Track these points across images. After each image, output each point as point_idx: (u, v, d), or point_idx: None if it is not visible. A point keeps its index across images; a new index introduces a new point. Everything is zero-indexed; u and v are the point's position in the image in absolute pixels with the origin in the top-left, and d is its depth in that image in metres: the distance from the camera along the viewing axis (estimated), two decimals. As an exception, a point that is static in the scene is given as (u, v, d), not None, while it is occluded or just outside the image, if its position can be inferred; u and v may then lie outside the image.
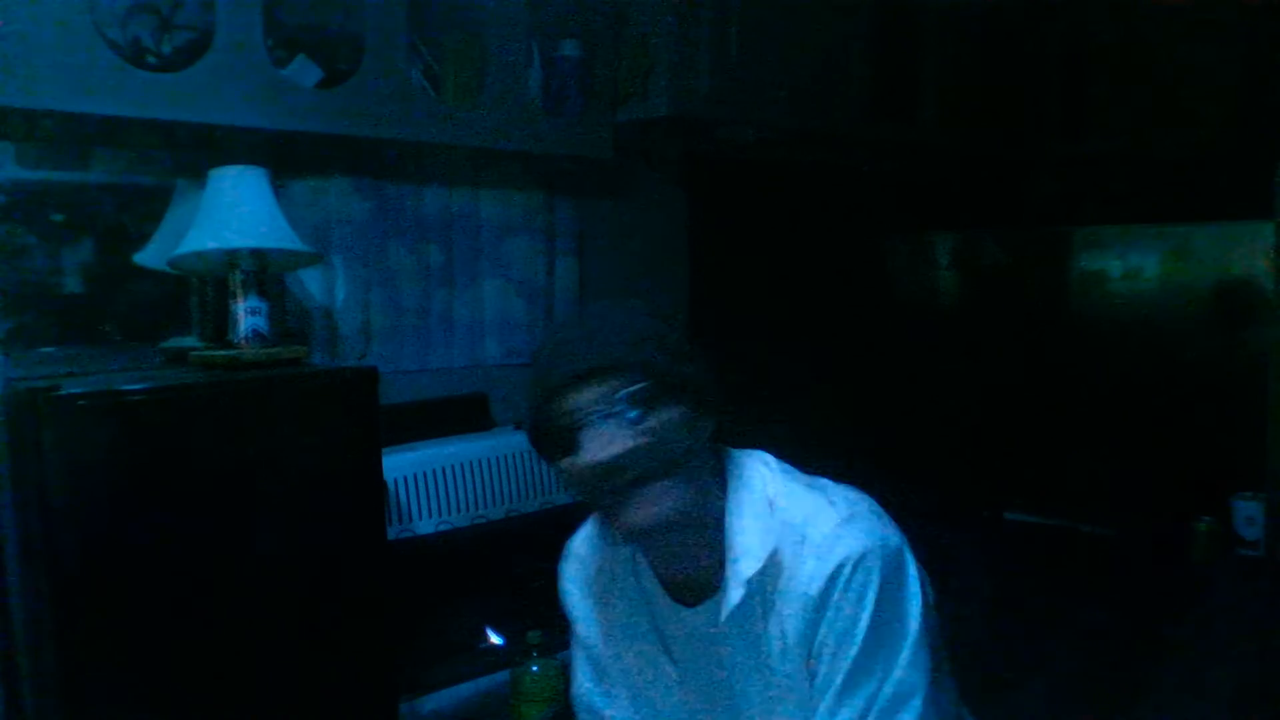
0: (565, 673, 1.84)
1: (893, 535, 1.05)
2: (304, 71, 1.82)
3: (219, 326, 1.61)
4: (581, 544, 1.25)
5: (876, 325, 3.17)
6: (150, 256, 1.71)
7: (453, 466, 1.95)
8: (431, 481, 1.92)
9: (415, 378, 2.15)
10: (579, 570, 1.24)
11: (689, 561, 1.09)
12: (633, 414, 0.99)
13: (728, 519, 1.07)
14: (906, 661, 1.01)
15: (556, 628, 2.04)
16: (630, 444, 0.99)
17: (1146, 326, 2.72)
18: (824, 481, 1.11)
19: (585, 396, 1.00)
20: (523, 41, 2.10)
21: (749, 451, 1.14)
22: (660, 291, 2.64)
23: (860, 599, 1.00)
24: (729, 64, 2.26)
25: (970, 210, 3.13)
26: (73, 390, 1.24)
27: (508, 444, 2.07)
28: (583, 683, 1.24)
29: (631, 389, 0.99)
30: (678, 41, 2.19)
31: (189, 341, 1.68)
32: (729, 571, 1.05)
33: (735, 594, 1.05)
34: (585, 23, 2.22)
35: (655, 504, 1.00)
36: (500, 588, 2.05)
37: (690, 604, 1.11)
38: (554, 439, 1.03)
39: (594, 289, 2.48)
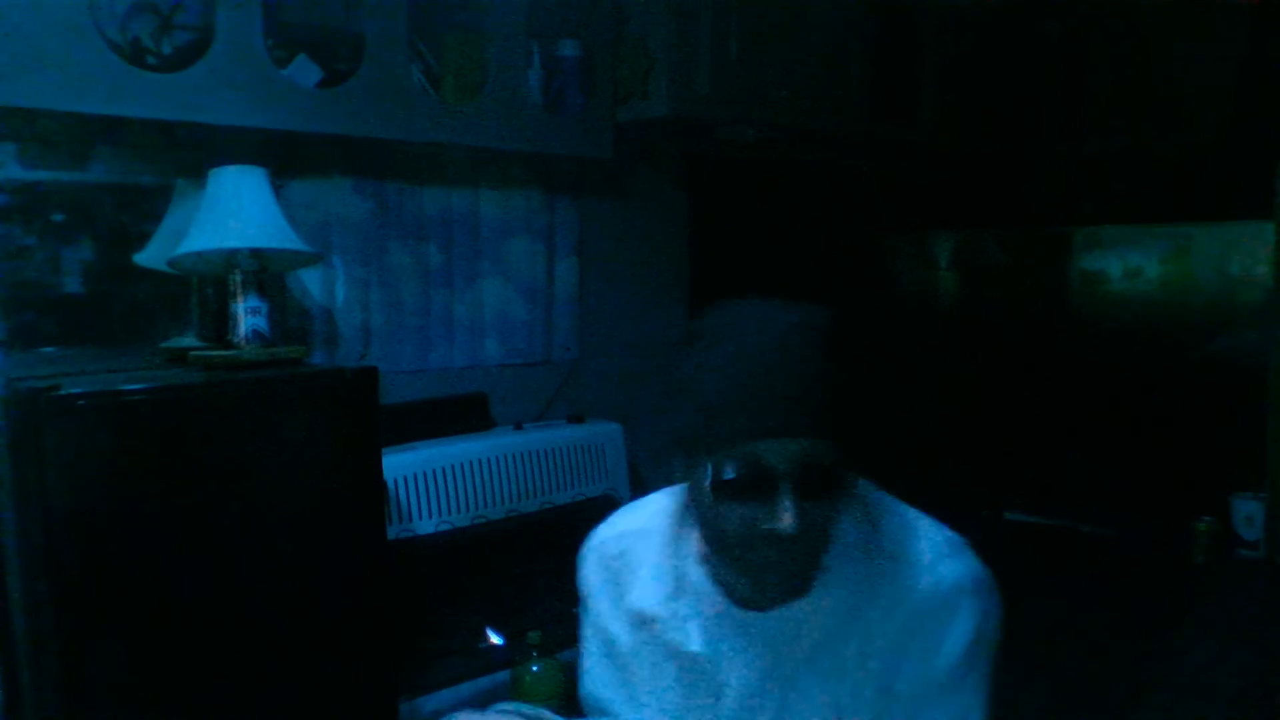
0: (565, 672, 1.84)
1: (987, 568, 1.02)
2: (304, 71, 1.82)
3: (219, 326, 1.61)
4: (615, 537, 1.17)
5: (876, 325, 3.17)
6: (150, 256, 1.71)
7: (453, 466, 1.95)
8: (431, 481, 1.92)
9: (415, 378, 2.14)
10: (612, 562, 1.15)
11: (772, 575, 0.99)
12: (823, 481, 0.93)
13: (831, 529, 0.99)
14: (974, 695, 1.00)
15: (556, 627, 2.04)
16: (818, 517, 0.93)
17: (1146, 326, 2.72)
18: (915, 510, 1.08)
19: (791, 449, 0.91)
20: (523, 41, 2.10)
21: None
22: (660, 292, 2.65)
23: (954, 622, 0.98)
24: (729, 64, 2.26)
25: (970, 210, 3.13)
26: (73, 390, 1.24)
27: (508, 444, 2.07)
28: (595, 681, 1.18)
29: (828, 459, 0.93)
30: (678, 41, 2.19)
31: (189, 341, 1.68)
32: (820, 580, 1.00)
33: (831, 596, 1.00)
34: (585, 23, 2.22)
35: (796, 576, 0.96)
36: (500, 588, 2.05)
37: (758, 608, 1.03)
38: (721, 467, 0.93)
39: (594, 289, 2.48)
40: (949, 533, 1.03)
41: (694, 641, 1.07)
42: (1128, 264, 2.76)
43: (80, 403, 1.23)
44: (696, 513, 1.01)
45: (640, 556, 1.13)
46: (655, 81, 2.21)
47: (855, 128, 2.62)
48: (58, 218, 1.70)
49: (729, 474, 0.93)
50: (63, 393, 1.23)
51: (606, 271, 2.50)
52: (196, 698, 1.32)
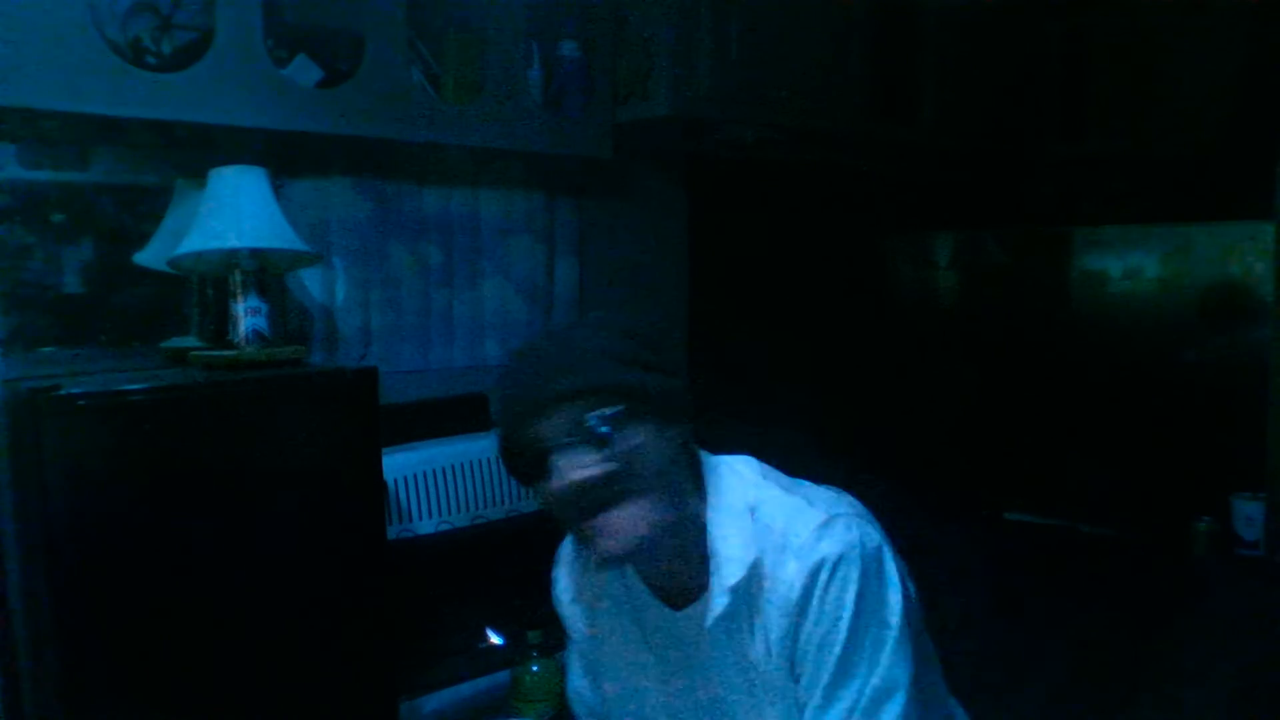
0: (564, 672, 1.84)
1: (871, 533, 1.05)
2: (304, 71, 1.82)
3: (219, 326, 1.61)
4: (570, 549, 1.26)
5: (876, 325, 3.17)
6: (150, 256, 1.71)
7: (453, 466, 1.95)
8: (431, 481, 1.92)
9: (415, 378, 2.14)
10: (568, 574, 1.25)
11: (674, 569, 1.10)
12: (601, 435, 0.99)
13: (709, 527, 1.07)
14: (889, 658, 1.01)
15: (556, 627, 2.04)
16: (600, 469, 0.99)
17: (1146, 326, 2.72)
18: (804, 484, 1.12)
19: (554, 421, 1.00)
20: (523, 41, 2.10)
21: (727, 458, 1.14)
22: (660, 291, 2.65)
23: (840, 599, 1.01)
24: (729, 64, 2.26)
25: (970, 210, 3.13)
26: (73, 390, 1.24)
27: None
28: (576, 681, 1.27)
29: (599, 412, 0.99)
30: (678, 41, 2.19)
31: (189, 341, 1.68)
32: (713, 579, 1.06)
33: (719, 601, 1.05)
34: (585, 23, 2.22)
35: (628, 529, 1.01)
36: (500, 588, 2.05)
37: (678, 607, 1.12)
38: (525, 463, 1.03)
39: (594, 289, 2.48)
40: (822, 507, 1.06)
41: (637, 640, 1.17)
42: (1128, 264, 2.76)
43: (80, 403, 1.24)
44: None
45: (587, 567, 1.23)
46: (655, 81, 2.21)
47: (855, 128, 2.62)
48: (58, 218, 1.70)
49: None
50: (63, 393, 1.23)
51: (606, 271, 2.50)
52: (196, 697, 1.32)
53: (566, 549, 1.27)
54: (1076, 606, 2.20)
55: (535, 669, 1.72)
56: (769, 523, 1.06)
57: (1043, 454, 2.85)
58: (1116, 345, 2.79)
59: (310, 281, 1.98)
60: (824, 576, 1.01)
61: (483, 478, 2.00)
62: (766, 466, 1.14)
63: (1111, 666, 2.00)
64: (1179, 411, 2.60)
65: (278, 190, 1.58)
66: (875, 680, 1.01)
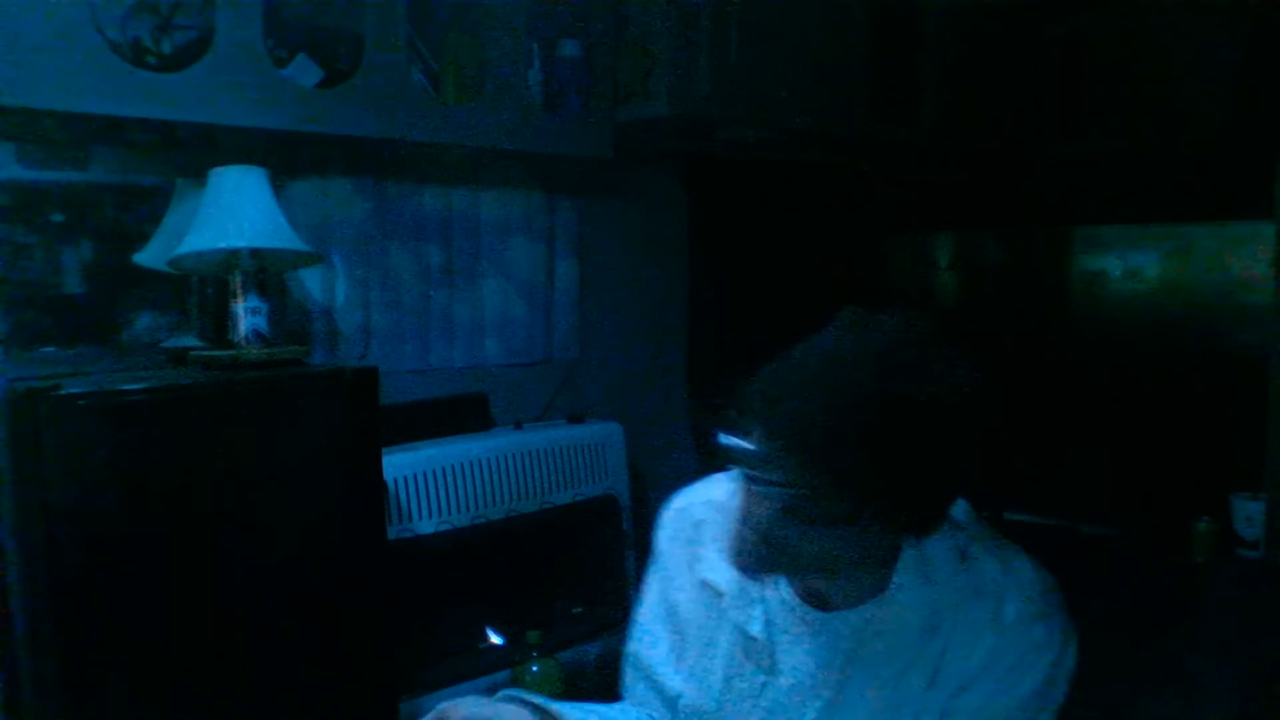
0: (565, 672, 1.84)
1: (1071, 621, 1.04)
2: (304, 71, 1.82)
3: (219, 326, 1.61)
4: (698, 504, 1.17)
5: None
6: (150, 256, 1.71)
7: (453, 466, 1.95)
8: (431, 481, 1.92)
9: (415, 378, 2.15)
10: (689, 529, 1.15)
11: (846, 582, 1.03)
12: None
13: (903, 550, 1.02)
14: None
15: (556, 627, 2.04)
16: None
17: (1146, 326, 2.72)
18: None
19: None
20: (523, 41, 2.10)
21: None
22: (660, 292, 2.65)
23: (1035, 665, 0.99)
24: (729, 64, 2.26)
25: (970, 210, 3.13)
26: (73, 390, 1.24)
27: (508, 444, 2.07)
28: (646, 640, 1.18)
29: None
30: (678, 41, 2.19)
31: (189, 341, 1.68)
32: (894, 593, 1.01)
33: (895, 615, 1.01)
34: (585, 23, 2.22)
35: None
36: (500, 588, 2.05)
37: (823, 608, 1.05)
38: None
39: (594, 289, 2.48)
40: (1043, 577, 1.04)
41: (756, 625, 1.08)
42: (1128, 264, 2.76)
43: (80, 403, 1.23)
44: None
45: (719, 530, 1.11)
46: (655, 81, 2.21)
47: (855, 128, 2.61)
48: (58, 218, 1.70)
49: (744, 447, 0.94)
50: (63, 393, 1.23)
51: (606, 271, 2.50)
52: (196, 697, 1.32)
53: (696, 502, 1.17)
54: (1076, 607, 2.20)
55: (535, 669, 1.72)
56: (983, 562, 1.03)
57: (1043, 454, 2.85)
58: (1116, 345, 2.79)
59: (310, 281, 1.98)
60: (1034, 639, 1.00)
61: (483, 478, 2.00)
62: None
63: (1111, 666, 2.00)
64: (1179, 411, 2.60)
65: (278, 190, 1.57)
66: None
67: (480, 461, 2.00)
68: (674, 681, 1.15)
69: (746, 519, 0.98)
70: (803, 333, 1.05)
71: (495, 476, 2.01)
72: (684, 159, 2.65)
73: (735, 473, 1.05)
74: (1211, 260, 2.61)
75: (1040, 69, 3.10)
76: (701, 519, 1.15)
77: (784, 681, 1.07)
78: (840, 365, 0.94)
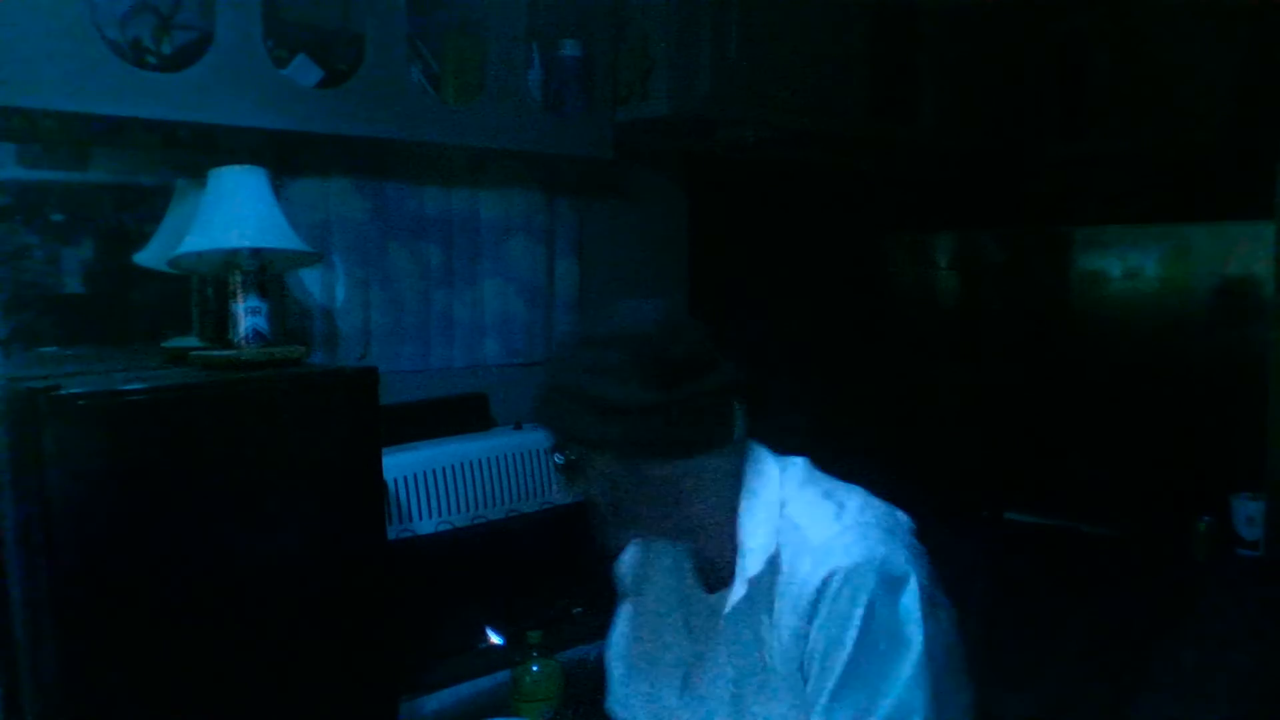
0: (565, 672, 1.84)
1: (896, 554, 1.04)
2: (304, 71, 1.82)
3: (219, 326, 1.61)
4: None
5: (876, 326, 3.17)
6: (150, 256, 1.71)
7: (453, 466, 1.95)
8: (431, 481, 1.92)
9: (415, 378, 2.14)
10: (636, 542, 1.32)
11: (710, 555, 1.16)
12: (566, 469, 1.10)
13: (740, 519, 1.10)
14: (905, 682, 1.01)
15: (556, 627, 2.04)
16: (574, 498, 1.07)
17: (1146, 326, 2.72)
18: (847, 492, 1.12)
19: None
20: (523, 41, 2.10)
21: (782, 457, 1.16)
22: (660, 293, 2.64)
23: (849, 611, 1.02)
24: (729, 64, 2.26)
25: (970, 210, 3.13)
26: (73, 390, 1.24)
27: (508, 444, 2.07)
28: (619, 632, 1.32)
29: (562, 452, 1.10)
30: (678, 41, 2.19)
31: (189, 341, 1.68)
32: (736, 567, 1.10)
33: (739, 590, 1.09)
34: (585, 23, 2.22)
35: (613, 544, 1.14)
36: (500, 588, 2.05)
37: (711, 590, 1.18)
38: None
39: (594, 289, 2.48)
40: (850, 515, 1.07)
41: (677, 618, 1.23)
42: (1128, 264, 2.76)
43: (80, 403, 1.23)
44: None
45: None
46: (655, 81, 2.21)
47: (855, 128, 2.62)
48: (58, 218, 1.70)
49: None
50: (63, 393, 1.23)
51: (606, 271, 2.50)
52: (196, 697, 1.32)
53: None
54: (1076, 606, 2.20)
55: (535, 669, 1.72)
56: (795, 520, 1.08)
57: (1043, 454, 2.85)
58: (1116, 345, 2.79)
59: (310, 281, 1.98)
60: (836, 583, 1.02)
61: (483, 478, 2.00)
62: (818, 472, 1.16)
63: (1112, 666, 2.00)
64: (1179, 411, 2.60)
65: (278, 190, 1.57)
66: (886, 703, 1.00)
67: (480, 461, 2.00)
68: (636, 675, 1.30)
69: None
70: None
71: (495, 476, 2.01)
72: (684, 159, 2.65)
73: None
74: (1211, 260, 2.61)
75: (1040, 69, 3.10)
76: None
77: (705, 665, 1.19)
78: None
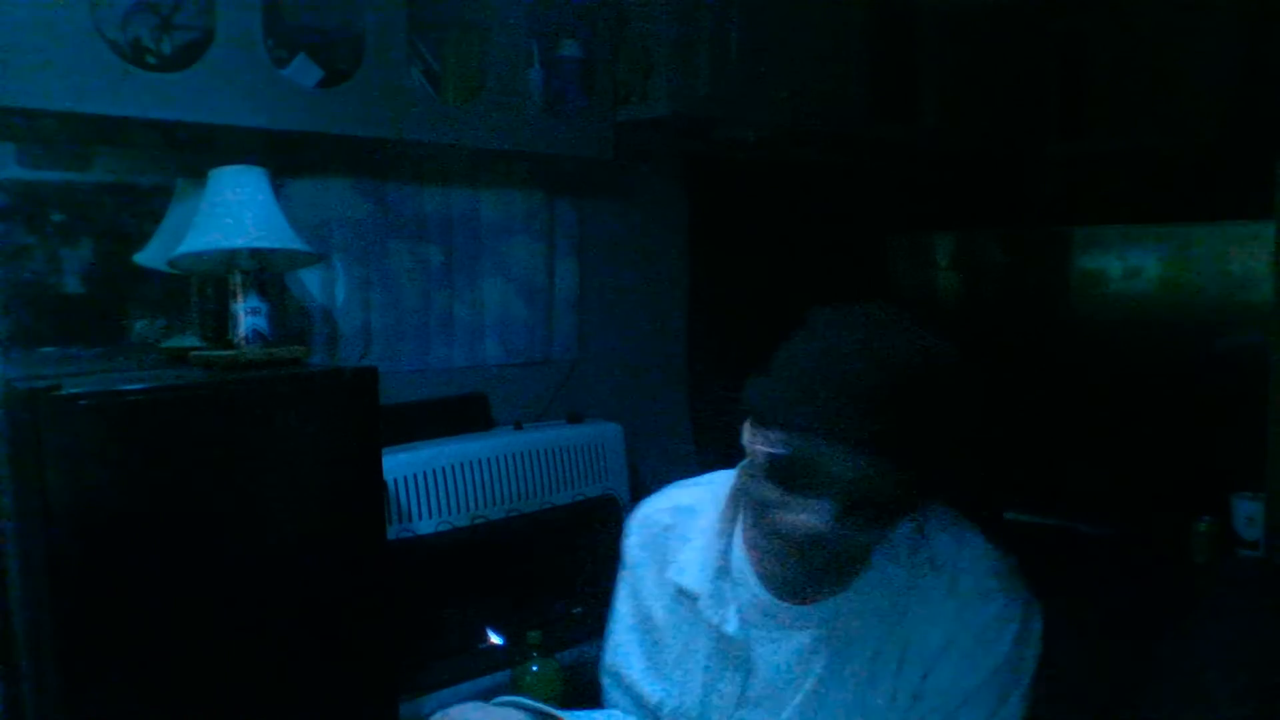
0: (565, 672, 1.84)
1: (1030, 589, 1.05)
2: (304, 71, 1.82)
3: (219, 326, 1.61)
4: (666, 510, 1.19)
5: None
6: (150, 256, 1.71)
7: (453, 466, 1.95)
8: (431, 481, 1.92)
9: (415, 378, 2.14)
10: (659, 534, 1.17)
11: (800, 570, 1.03)
12: (873, 500, 0.94)
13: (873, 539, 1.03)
14: (1007, 714, 1.01)
15: (556, 627, 2.04)
16: (855, 530, 0.95)
17: (1146, 326, 2.72)
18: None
19: (848, 459, 0.92)
20: (523, 41, 2.10)
21: None
22: (660, 292, 2.65)
23: (998, 637, 1.01)
24: (729, 64, 2.26)
25: (970, 210, 3.13)
26: (73, 390, 1.24)
27: (508, 444, 2.07)
28: (621, 651, 1.19)
29: (885, 480, 0.93)
30: (678, 41, 2.19)
31: (189, 341, 1.68)
32: (860, 581, 1.04)
33: (864, 602, 1.03)
34: (585, 23, 2.22)
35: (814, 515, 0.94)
36: (500, 588, 2.05)
37: (795, 600, 1.06)
38: (784, 464, 0.95)
39: (594, 289, 2.48)
40: (1001, 554, 1.05)
41: (731, 624, 1.08)
42: (1128, 264, 2.76)
43: (80, 403, 1.23)
44: (745, 485, 1.02)
45: (688, 532, 1.14)
46: (655, 81, 2.21)
47: (855, 128, 2.61)
48: (58, 218, 1.70)
49: (780, 450, 0.93)
50: (63, 393, 1.23)
51: (606, 271, 2.50)
52: (196, 697, 1.32)
53: (657, 510, 1.19)
54: (1076, 607, 2.20)
55: (535, 669, 1.72)
56: (940, 543, 1.04)
57: (1042, 454, 2.85)
58: (1116, 345, 2.79)
59: (310, 281, 1.98)
60: (997, 607, 1.01)
61: (483, 478, 2.00)
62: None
63: (1111, 667, 2.00)
64: (1179, 411, 2.60)
65: (278, 190, 1.57)
66: None
67: (480, 461, 2.00)
68: (654, 690, 1.15)
69: (777, 533, 0.97)
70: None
71: (495, 476, 2.01)
72: (684, 159, 2.65)
73: (729, 473, 1.06)
74: (1211, 260, 2.61)
75: (1040, 69, 3.10)
76: (670, 524, 1.16)
77: (761, 677, 1.08)
78: (862, 350, 0.94)
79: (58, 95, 1.53)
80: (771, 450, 0.95)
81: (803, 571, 1.03)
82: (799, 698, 1.06)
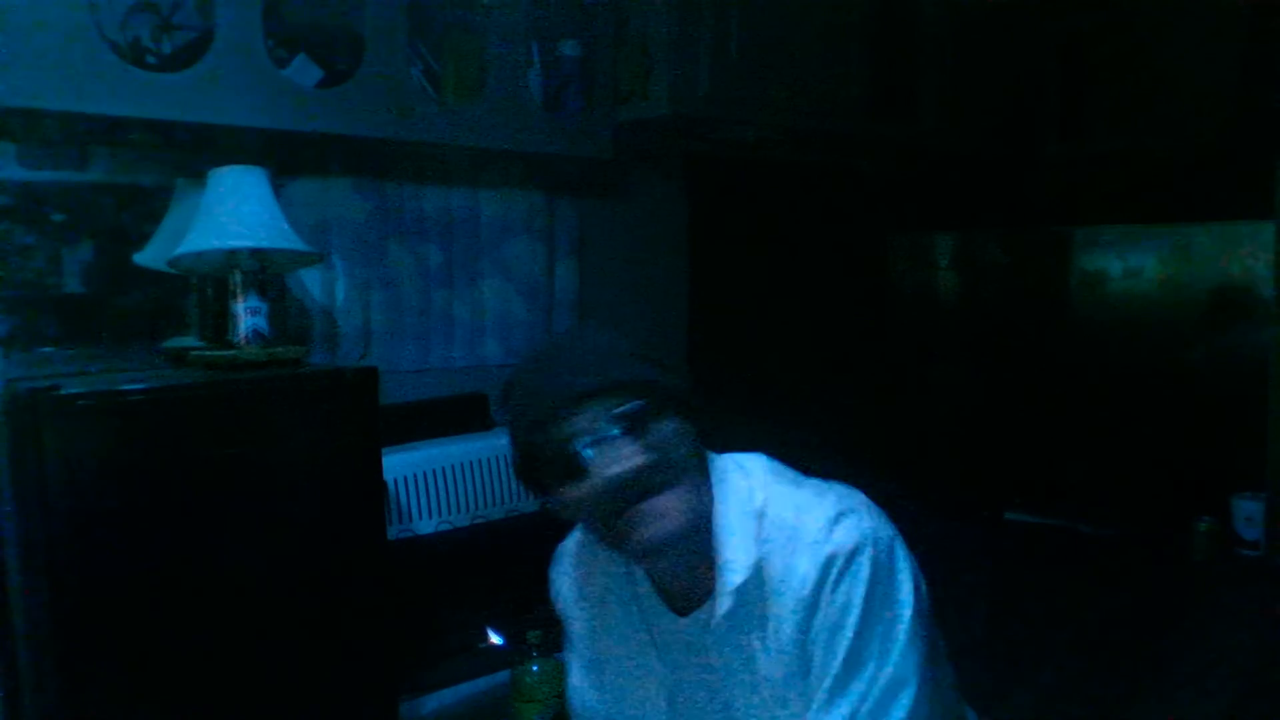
0: (564, 672, 1.84)
1: (884, 527, 1.05)
2: (304, 71, 1.82)
3: (219, 326, 1.61)
4: (574, 547, 1.24)
5: (876, 325, 3.17)
6: (150, 256, 1.71)
7: (453, 466, 1.95)
8: (431, 481, 1.92)
9: (415, 378, 2.15)
10: (572, 573, 1.23)
11: (683, 571, 1.09)
12: (633, 430, 0.99)
13: (715, 527, 1.07)
14: (899, 652, 1.01)
15: (556, 627, 2.04)
16: (637, 460, 0.99)
17: (1146, 326, 2.72)
18: (814, 480, 1.11)
19: (584, 419, 0.99)
20: (523, 41, 2.10)
21: (736, 456, 1.13)
22: (660, 292, 2.65)
23: (851, 592, 1.01)
24: (729, 64, 2.26)
25: (970, 210, 3.13)
26: (73, 390, 1.24)
27: (508, 444, 2.06)
28: (575, 682, 1.25)
29: (629, 406, 1.00)
30: (678, 41, 2.19)
31: (189, 341, 1.68)
32: (718, 581, 1.06)
33: (724, 603, 1.05)
34: (585, 23, 2.22)
35: (665, 518, 1.00)
36: (500, 588, 2.05)
37: (683, 611, 1.12)
38: (553, 466, 1.02)
39: (594, 289, 2.48)
40: (836, 504, 1.05)
41: (643, 644, 1.15)
42: (1128, 264, 2.76)
43: (80, 403, 1.23)
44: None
45: (593, 567, 1.20)
46: (655, 81, 2.21)
47: (855, 128, 2.62)
48: (58, 218, 1.70)
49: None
50: (63, 393, 1.23)
51: (606, 271, 2.50)
52: (196, 697, 1.32)
53: (569, 548, 1.25)
54: (1076, 607, 2.20)
55: (535, 669, 1.72)
56: (779, 519, 1.05)
57: (1043, 454, 2.85)
58: (1116, 345, 2.79)
59: (310, 281, 1.98)
60: (837, 569, 1.01)
61: (483, 478, 2.00)
62: (777, 463, 1.13)
63: (1111, 666, 2.00)
64: (1179, 411, 2.60)
65: (278, 190, 1.57)
66: (886, 672, 1.00)
67: (480, 461, 2.00)
68: (613, 713, 1.20)
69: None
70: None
71: (495, 476, 2.01)
72: (684, 159, 2.65)
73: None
74: (1211, 260, 2.61)
75: (1040, 69, 3.10)
76: (581, 558, 1.22)
77: (684, 689, 1.13)
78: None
79: (58, 95, 1.53)
80: (572, 500, 1.03)
81: (670, 582, 1.12)
82: (719, 700, 1.11)
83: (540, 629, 1.80)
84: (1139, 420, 2.66)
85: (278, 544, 1.39)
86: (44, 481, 1.22)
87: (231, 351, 1.48)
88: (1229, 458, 2.45)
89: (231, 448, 1.35)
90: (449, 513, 1.94)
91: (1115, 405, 2.72)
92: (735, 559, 1.05)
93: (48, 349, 1.69)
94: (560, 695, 1.71)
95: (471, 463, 1.98)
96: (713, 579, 1.07)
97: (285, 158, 1.88)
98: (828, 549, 1.01)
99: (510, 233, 2.28)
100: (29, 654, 1.44)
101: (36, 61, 1.50)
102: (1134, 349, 2.75)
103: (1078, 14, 3.01)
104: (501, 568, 2.03)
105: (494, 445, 2.05)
